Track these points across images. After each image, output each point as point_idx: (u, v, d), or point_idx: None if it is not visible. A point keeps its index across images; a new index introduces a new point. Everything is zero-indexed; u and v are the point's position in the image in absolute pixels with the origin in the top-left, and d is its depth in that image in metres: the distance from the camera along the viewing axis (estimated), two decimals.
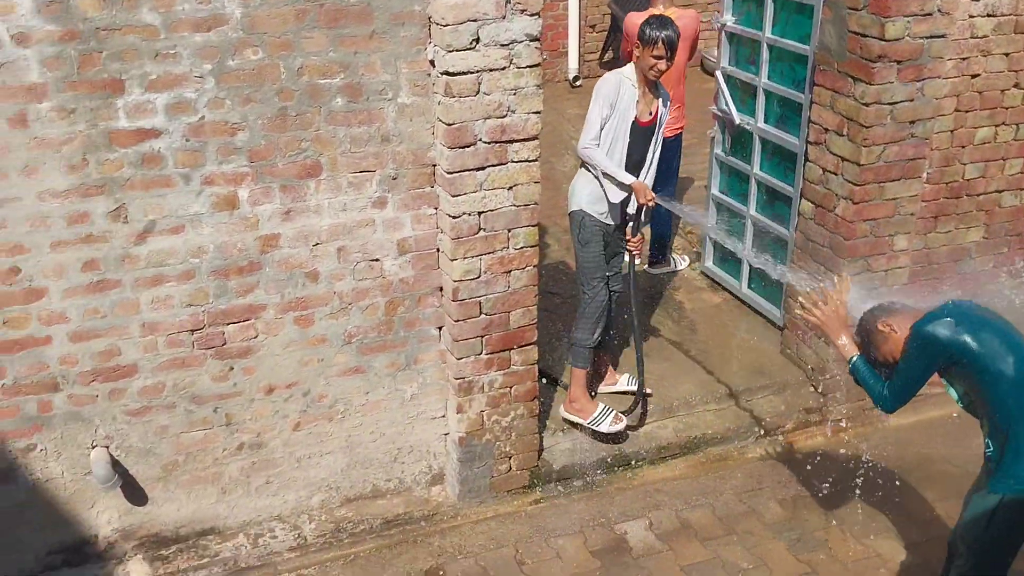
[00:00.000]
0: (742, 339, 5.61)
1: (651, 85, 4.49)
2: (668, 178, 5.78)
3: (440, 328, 4.33)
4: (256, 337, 4.00)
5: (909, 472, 4.84)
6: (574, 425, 4.84)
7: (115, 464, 3.95)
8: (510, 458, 4.58)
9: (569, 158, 7.73)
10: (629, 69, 4.49)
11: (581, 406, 4.78)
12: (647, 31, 4.34)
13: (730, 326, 5.76)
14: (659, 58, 4.35)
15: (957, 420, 5.26)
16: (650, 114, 4.53)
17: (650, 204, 4.52)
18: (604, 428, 4.74)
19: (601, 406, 4.78)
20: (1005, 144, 5.05)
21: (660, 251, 6.28)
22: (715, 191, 6.06)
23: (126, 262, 3.69)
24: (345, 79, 3.72)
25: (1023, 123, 5.02)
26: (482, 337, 4.27)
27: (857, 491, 4.69)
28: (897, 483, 4.76)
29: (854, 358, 3.63)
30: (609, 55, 9.25)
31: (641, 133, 4.53)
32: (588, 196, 4.56)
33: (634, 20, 5.56)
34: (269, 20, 3.54)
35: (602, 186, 4.52)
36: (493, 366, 4.35)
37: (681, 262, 6.40)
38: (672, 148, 5.79)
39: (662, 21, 4.38)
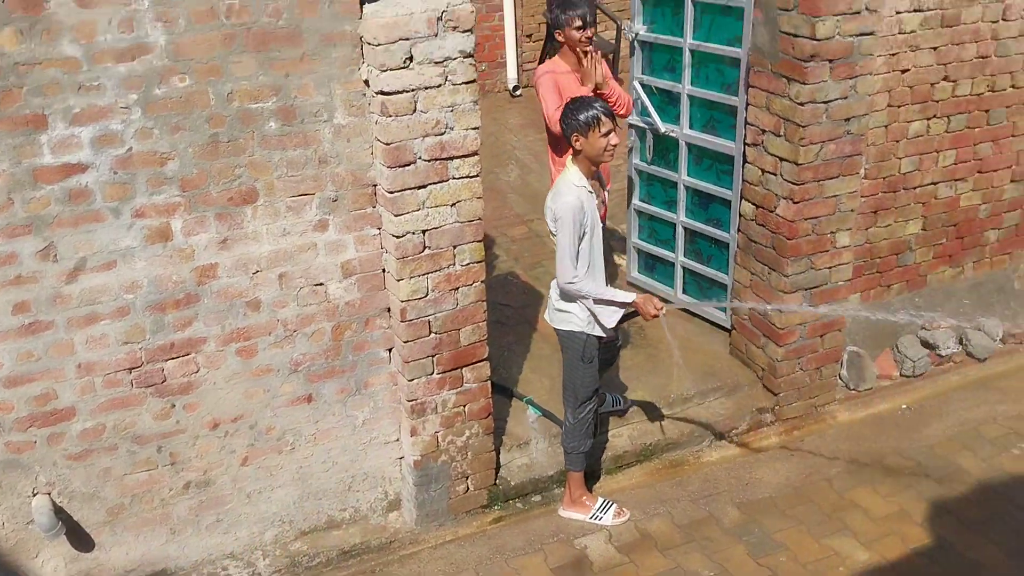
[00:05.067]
0: (690, 343, 5.61)
1: (594, 174, 4.14)
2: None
3: (390, 350, 4.26)
4: (197, 372, 3.89)
5: (863, 468, 4.88)
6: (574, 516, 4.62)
7: (58, 511, 3.80)
8: (467, 478, 4.52)
9: (513, 168, 7.71)
10: (575, 173, 4.03)
11: (580, 503, 4.60)
12: (589, 113, 3.93)
13: (676, 330, 5.76)
14: (609, 132, 3.96)
15: (907, 412, 5.36)
16: (603, 205, 4.28)
17: (662, 314, 4.15)
18: (607, 522, 4.54)
19: (600, 500, 4.61)
20: (938, 137, 5.14)
21: None
22: (636, 201, 5.94)
23: (58, 302, 3.56)
24: (278, 102, 3.63)
25: (954, 115, 5.12)
26: (433, 356, 4.20)
27: (813, 489, 4.72)
28: (852, 479, 4.80)
29: None
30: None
31: (601, 231, 4.27)
32: (586, 319, 4.22)
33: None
34: (195, 46, 3.44)
35: (593, 313, 4.22)
36: (445, 385, 4.29)
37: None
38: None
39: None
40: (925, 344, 5.61)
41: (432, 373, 4.23)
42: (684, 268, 5.76)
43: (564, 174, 4.10)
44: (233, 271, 3.80)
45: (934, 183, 5.28)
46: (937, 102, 5.05)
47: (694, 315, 5.78)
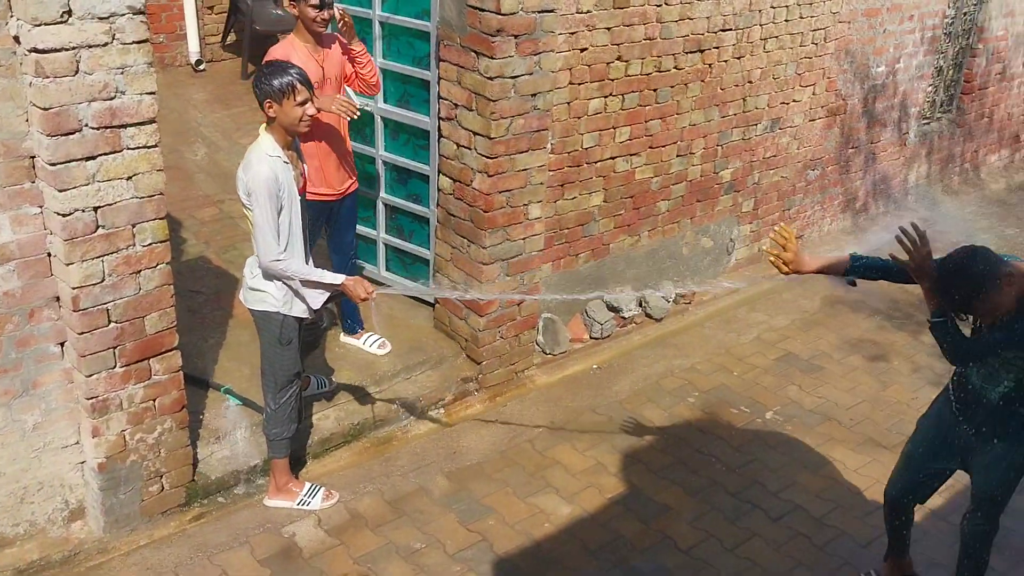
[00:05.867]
0: (394, 319, 5.59)
1: (291, 144, 3.95)
2: (347, 247, 5.12)
3: (62, 344, 3.81)
4: None
5: (562, 426, 5.13)
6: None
7: None
8: (161, 477, 4.17)
9: (200, 145, 7.24)
10: (268, 142, 3.81)
11: (287, 490, 4.39)
12: (284, 79, 3.75)
13: (381, 307, 5.71)
14: (306, 102, 3.79)
15: (597, 372, 5.70)
16: (302, 178, 4.04)
17: (372, 298, 4.06)
18: (315, 506, 4.38)
19: (308, 485, 4.44)
20: (614, 114, 5.48)
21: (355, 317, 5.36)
22: None
23: None
24: None
25: (627, 94, 5.48)
26: (114, 348, 3.82)
27: (517, 452, 4.89)
28: (552, 438, 5.02)
29: (942, 317, 3.35)
30: (232, 37, 8.79)
31: (300, 204, 3.99)
32: (284, 297, 4.00)
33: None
34: None
35: (298, 294, 4.01)
36: (131, 379, 3.92)
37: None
38: (351, 209, 5.06)
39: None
40: (610, 308, 6.00)
41: (114, 367, 3.85)
42: (386, 245, 5.71)
43: (256, 143, 3.86)
44: None
45: (612, 158, 5.63)
46: (612, 80, 5.37)
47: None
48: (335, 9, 4.50)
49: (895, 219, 8.02)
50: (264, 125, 3.89)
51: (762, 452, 5.04)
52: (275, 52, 4.52)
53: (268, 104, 3.78)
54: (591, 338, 5.92)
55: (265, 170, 3.76)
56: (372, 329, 5.34)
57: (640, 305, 6.15)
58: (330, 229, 4.97)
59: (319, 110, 4.33)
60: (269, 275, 3.97)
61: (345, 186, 4.86)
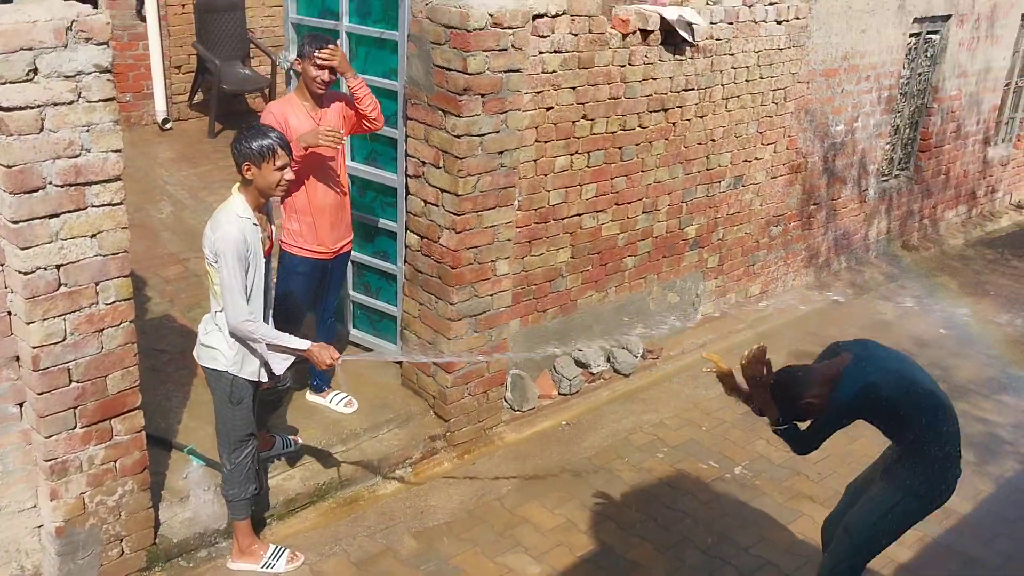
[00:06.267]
0: (361, 376, 5.54)
1: (263, 206, 3.95)
2: (329, 308, 5.11)
3: (20, 404, 3.73)
4: None
5: (531, 484, 5.08)
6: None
7: None
8: (122, 540, 4.07)
9: (166, 204, 7.21)
10: (240, 203, 3.80)
11: (251, 552, 4.29)
12: (264, 143, 3.74)
13: (347, 363, 5.66)
14: (284, 167, 3.82)
15: (567, 428, 5.67)
16: (269, 240, 4.04)
17: (337, 364, 4.03)
18: (280, 568, 4.28)
19: (272, 547, 4.34)
20: (581, 171, 5.55)
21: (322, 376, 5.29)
22: None
23: None
24: None
25: (593, 151, 5.56)
26: (75, 408, 3.74)
27: (486, 510, 4.83)
28: (521, 496, 4.97)
29: (785, 426, 3.77)
30: (199, 96, 8.83)
31: (266, 266, 3.98)
32: (234, 357, 3.94)
33: (275, 116, 4.52)
34: None
35: (262, 357, 3.99)
36: (91, 440, 3.84)
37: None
38: (341, 270, 5.10)
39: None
40: (579, 363, 6.00)
41: (75, 427, 3.77)
42: (354, 302, 5.69)
43: (227, 203, 3.84)
44: None
45: (579, 214, 5.68)
46: (578, 138, 5.45)
47: (365, 349, 5.72)
48: (331, 55, 4.44)
49: (856, 275, 8.16)
50: (238, 185, 3.88)
51: (732, 507, 5.03)
52: (273, 108, 4.57)
53: (246, 167, 3.78)
54: (560, 394, 5.91)
55: (234, 231, 3.74)
56: (338, 387, 5.29)
57: (608, 361, 6.16)
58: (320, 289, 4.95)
59: (307, 148, 4.40)
60: (235, 335, 3.92)
61: (339, 245, 4.86)
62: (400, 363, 5.55)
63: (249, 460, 4.18)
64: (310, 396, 5.26)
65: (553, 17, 4.98)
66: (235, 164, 3.83)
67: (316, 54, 4.42)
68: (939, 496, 3.78)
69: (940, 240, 9.25)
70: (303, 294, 4.81)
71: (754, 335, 6.84)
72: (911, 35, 7.87)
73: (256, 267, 3.87)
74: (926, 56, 8.26)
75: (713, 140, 6.32)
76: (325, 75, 4.47)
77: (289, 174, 3.86)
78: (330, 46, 4.46)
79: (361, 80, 4.62)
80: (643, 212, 6.08)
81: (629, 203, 5.96)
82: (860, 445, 5.72)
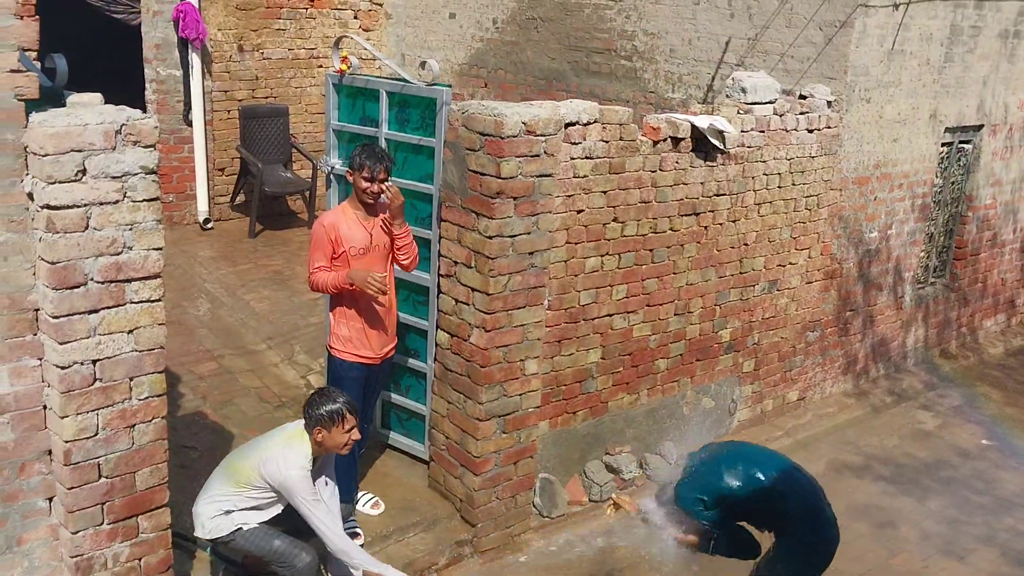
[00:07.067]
0: (388, 477, 5.50)
1: (322, 457, 4.31)
2: (369, 412, 5.24)
3: (50, 499, 3.74)
4: None
5: None
6: None
7: None
8: None
9: (203, 301, 7.33)
10: (304, 456, 4.14)
11: None
12: (333, 407, 4.15)
13: (376, 465, 5.64)
14: (352, 428, 4.21)
15: (597, 536, 5.53)
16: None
17: None
18: None
19: None
20: (611, 272, 5.58)
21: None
22: None
23: None
24: None
25: (624, 253, 5.60)
26: (103, 504, 3.74)
27: None
28: None
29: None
30: (241, 197, 9.09)
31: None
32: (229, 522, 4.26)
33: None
34: None
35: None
36: (117, 537, 3.82)
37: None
38: (386, 374, 5.19)
39: None
40: (610, 469, 5.90)
41: (101, 523, 3.76)
42: (383, 400, 5.69)
43: (294, 450, 4.13)
44: None
45: (610, 315, 5.68)
46: (609, 240, 5.50)
47: (393, 448, 5.69)
48: (388, 189, 4.64)
49: (894, 383, 8.02)
50: (302, 430, 4.18)
51: None
52: (324, 219, 4.71)
53: (317, 431, 4.09)
54: (590, 500, 5.80)
55: (300, 474, 4.10)
56: (364, 488, 5.24)
57: (641, 467, 6.06)
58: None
59: (352, 284, 4.50)
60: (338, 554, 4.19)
61: (385, 350, 4.93)
62: (428, 463, 5.51)
63: (313, 562, 4.25)
64: None
65: (585, 125, 5.10)
66: (306, 425, 4.15)
67: (364, 165, 4.56)
68: None
69: (979, 349, 9.09)
70: (354, 400, 4.79)
71: (792, 443, 6.71)
72: (943, 144, 7.93)
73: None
74: (959, 165, 8.30)
75: (746, 244, 6.34)
76: (375, 187, 4.61)
77: (356, 435, 4.16)
78: (391, 187, 4.61)
79: (407, 229, 4.78)
80: (675, 314, 6.07)
81: (661, 305, 5.96)
82: (901, 560, 5.53)
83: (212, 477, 4.37)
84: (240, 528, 4.21)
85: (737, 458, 4.05)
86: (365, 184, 4.61)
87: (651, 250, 5.75)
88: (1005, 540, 5.82)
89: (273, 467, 4.11)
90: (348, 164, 4.74)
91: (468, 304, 4.97)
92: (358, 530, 4.92)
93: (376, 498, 5.20)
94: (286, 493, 4.11)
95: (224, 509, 4.22)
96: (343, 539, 4.18)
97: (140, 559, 3.91)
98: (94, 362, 3.57)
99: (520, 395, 5.14)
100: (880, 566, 5.44)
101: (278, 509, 4.26)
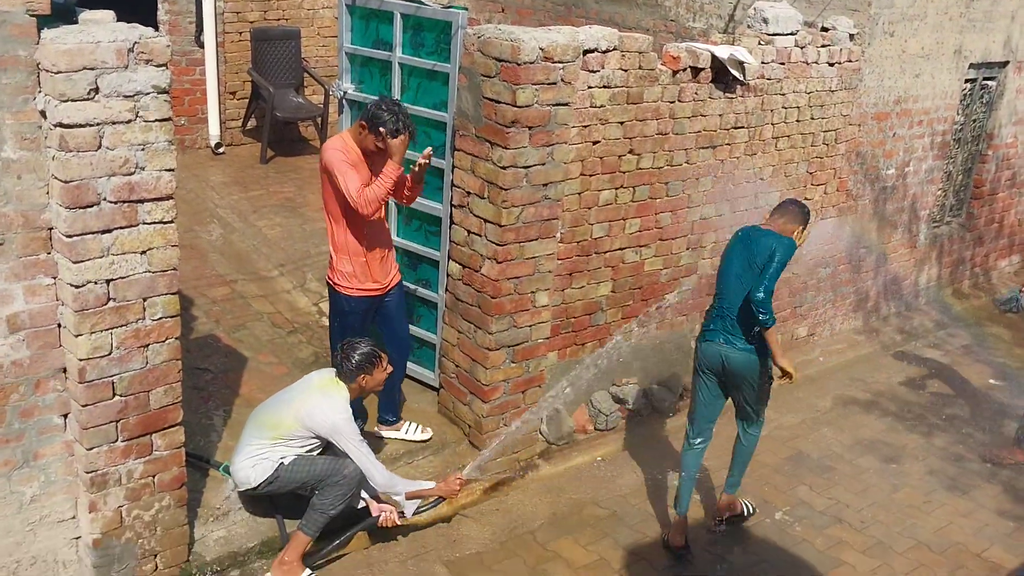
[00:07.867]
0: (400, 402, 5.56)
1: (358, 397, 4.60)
2: (403, 339, 5.21)
3: (65, 416, 3.80)
4: None
5: (564, 519, 5.03)
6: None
7: None
8: (156, 556, 4.10)
9: (215, 226, 7.34)
10: (344, 402, 4.36)
11: (291, 569, 4.33)
12: (366, 350, 4.38)
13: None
14: (387, 366, 4.53)
15: (601, 464, 5.62)
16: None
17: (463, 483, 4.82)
18: None
19: (307, 571, 4.37)
20: (625, 206, 5.54)
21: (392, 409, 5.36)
22: None
23: None
24: None
25: (639, 186, 5.55)
26: (117, 422, 3.80)
27: (518, 543, 4.78)
28: (554, 531, 4.92)
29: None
30: (252, 122, 9.01)
31: None
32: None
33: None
34: None
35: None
36: (132, 454, 3.89)
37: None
38: (400, 300, 5.10)
39: None
40: (616, 399, 5.95)
41: (116, 440, 3.82)
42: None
43: (331, 395, 4.33)
44: None
45: (622, 248, 5.66)
46: (624, 173, 5.45)
47: (405, 376, 5.74)
48: (428, 157, 4.58)
49: (905, 321, 8.01)
50: (333, 378, 4.40)
51: (771, 553, 4.92)
52: (333, 143, 4.59)
53: (361, 377, 4.34)
54: (596, 429, 5.86)
55: (346, 414, 4.33)
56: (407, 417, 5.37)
57: (646, 397, 6.11)
58: (382, 322, 5.01)
59: (401, 166, 4.52)
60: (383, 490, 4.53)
61: (389, 279, 4.93)
62: (437, 390, 5.56)
63: (356, 474, 4.40)
64: (384, 432, 5.27)
65: (604, 52, 5.01)
66: (345, 377, 4.35)
67: (380, 127, 4.42)
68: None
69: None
70: (358, 332, 4.79)
71: (799, 378, 6.73)
72: (967, 80, 7.78)
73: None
74: (982, 102, 8.15)
75: (762, 179, 6.28)
76: (381, 144, 4.46)
77: (390, 367, 4.46)
78: (403, 136, 4.47)
79: (420, 188, 4.81)
80: (687, 248, 6.05)
81: (673, 239, 5.93)
82: (905, 495, 5.60)
83: (244, 435, 4.48)
84: (281, 462, 4.35)
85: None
86: (373, 140, 4.45)
87: (666, 183, 5.70)
88: (1008, 477, 5.87)
89: (320, 416, 4.30)
90: (371, 119, 4.45)
91: (480, 235, 4.95)
92: None
93: (421, 425, 5.30)
94: (335, 437, 4.30)
95: (266, 458, 4.37)
96: (386, 473, 4.44)
97: (154, 476, 3.99)
98: (108, 282, 3.58)
99: (530, 326, 5.15)
100: (883, 500, 5.51)
101: (318, 451, 4.48)
